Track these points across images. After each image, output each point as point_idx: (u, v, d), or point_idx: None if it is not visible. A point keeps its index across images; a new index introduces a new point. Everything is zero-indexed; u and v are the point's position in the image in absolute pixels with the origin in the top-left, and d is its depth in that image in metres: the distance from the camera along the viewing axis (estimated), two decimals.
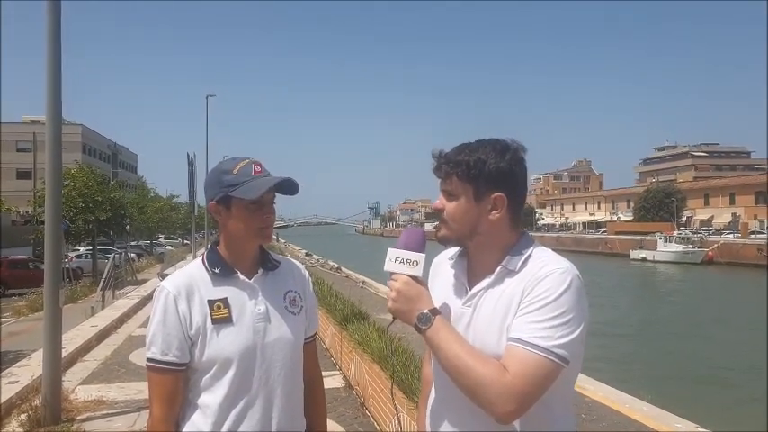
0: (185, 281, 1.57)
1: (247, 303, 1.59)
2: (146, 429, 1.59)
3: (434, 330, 1.34)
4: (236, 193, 1.52)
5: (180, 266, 2.25)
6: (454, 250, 1.53)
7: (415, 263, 1.41)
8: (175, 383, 1.53)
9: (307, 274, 1.78)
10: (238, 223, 1.56)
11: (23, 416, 5.19)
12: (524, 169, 1.44)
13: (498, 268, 1.40)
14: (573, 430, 1.43)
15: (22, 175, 47.62)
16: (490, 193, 1.39)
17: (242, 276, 1.60)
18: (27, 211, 32.11)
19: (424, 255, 1.43)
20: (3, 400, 5.50)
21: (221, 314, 1.54)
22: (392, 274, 1.42)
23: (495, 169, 1.38)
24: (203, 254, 1.66)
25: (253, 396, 1.55)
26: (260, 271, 1.64)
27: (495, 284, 1.40)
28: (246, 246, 1.62)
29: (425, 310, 1.36)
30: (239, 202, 1.53)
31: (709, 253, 48.03)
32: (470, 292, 1.44)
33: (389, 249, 1.43)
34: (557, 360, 1.26)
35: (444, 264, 1.57)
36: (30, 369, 6.67)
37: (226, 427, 1.53)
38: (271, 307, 1.61)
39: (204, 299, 1.55)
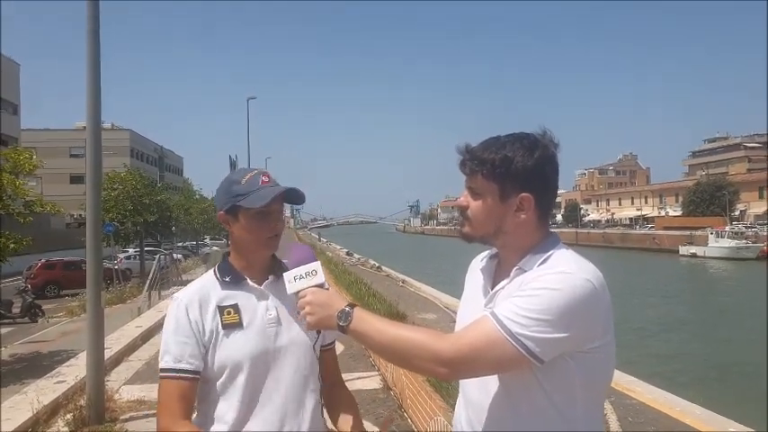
0: (197, 290, 1.60)
1: (258, 309, 1.60)
2: None
3: (357, 321, 1.33)
4: (244, 203, 1.55)
5: None
6: (489, 251, 1.49)
7: (314, 272, 1.44)
8: (187, 392, 1.51)
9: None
10: (246, 232, 1.59)
11: (69, 415, 5.33)
12: (555, 167, 1.35)
13: (515, 269, 1.34)
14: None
15: (75, 179, 49.54)
16: (516, 194, 1.32)
17: (252, 283, 1.62)
18: (80, 215, 33.39)
19: (318, 261, 1.48)
20: (49, 401, 5.67)
21: (231, 319, 1.57)
22: (297, 293, 1.43)
23: (522, 168, 1.30)
24: (216, 265, 1.69)
25: (265, 400, 1.55)
26: (270, 277, 1.65)
27: (509, 285, 1.33)
28: (255, 254, 1.63)
29: (341, 308, 1.35)
30: (246, 211, 1.56)
31: (765, 248, 45.86)
32: (490, 294, 1.39)
33: (285, 274, 1.47)
34: (521, 350, 1.19)
35: (478, 264, 1.52)
36: (76, 369, 6.88)
37: None
38: (282, 312, 1.61)
39: (215, 306, 1.58)
